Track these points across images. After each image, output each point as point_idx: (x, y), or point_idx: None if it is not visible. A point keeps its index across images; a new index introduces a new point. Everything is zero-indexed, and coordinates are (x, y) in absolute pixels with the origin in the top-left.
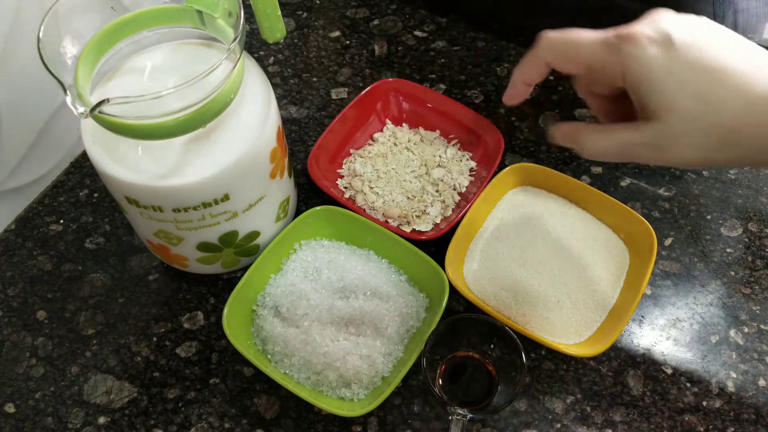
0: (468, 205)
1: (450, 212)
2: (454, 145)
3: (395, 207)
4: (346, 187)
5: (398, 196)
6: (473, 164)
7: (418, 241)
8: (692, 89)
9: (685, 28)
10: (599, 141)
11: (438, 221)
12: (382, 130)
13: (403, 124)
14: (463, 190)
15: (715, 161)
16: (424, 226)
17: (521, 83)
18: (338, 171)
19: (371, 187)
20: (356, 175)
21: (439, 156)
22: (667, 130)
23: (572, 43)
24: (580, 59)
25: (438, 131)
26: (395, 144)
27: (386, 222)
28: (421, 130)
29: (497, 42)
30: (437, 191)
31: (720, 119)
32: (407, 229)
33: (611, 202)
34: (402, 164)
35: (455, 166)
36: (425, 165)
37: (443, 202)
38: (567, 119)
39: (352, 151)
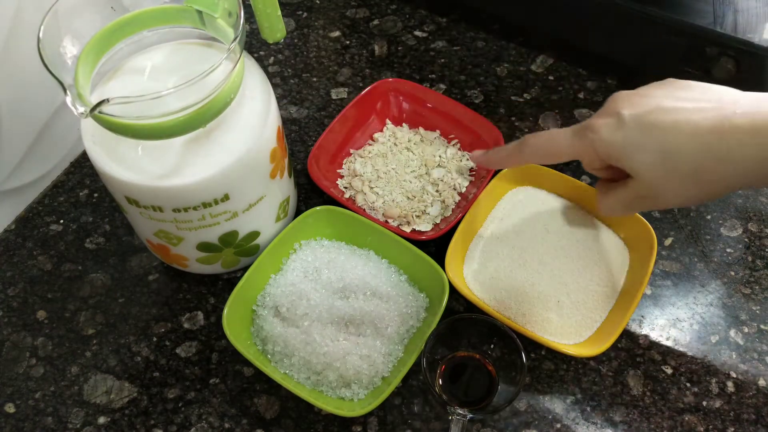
0: (468, 205)
1: (450, 212)
2: (454, 145)
3: (395, 207)
4: (346, 187)
5: (398, 196)
6: (473, 164)
7: (418, 241)
8: (651, 147)
9: (634, 100)
10: (605, 201)
11: (438, 221)
12: (382, 130)
13: (403, 124)
14: (463, 190)
15: (706, 197)
16: (424, 226)
17: (496, 166)
18: (338, 171)
19: (371, 187)
20: (356, 175)
21: (439, 156)
22: (646, 184)
23: (552, 146)
24: (561, 155)
25: (438, 131)
26: (395, 144)
27: (386, 222)
28: (421, 130)
29: (497, 42)
30: (437, 191)
31: (684, 164)
32: (407, 229)
33: None
34: (402, 164)
35: (455, 166)
36: (425, 165)
37: (443, 202)
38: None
39: (352, 151)
